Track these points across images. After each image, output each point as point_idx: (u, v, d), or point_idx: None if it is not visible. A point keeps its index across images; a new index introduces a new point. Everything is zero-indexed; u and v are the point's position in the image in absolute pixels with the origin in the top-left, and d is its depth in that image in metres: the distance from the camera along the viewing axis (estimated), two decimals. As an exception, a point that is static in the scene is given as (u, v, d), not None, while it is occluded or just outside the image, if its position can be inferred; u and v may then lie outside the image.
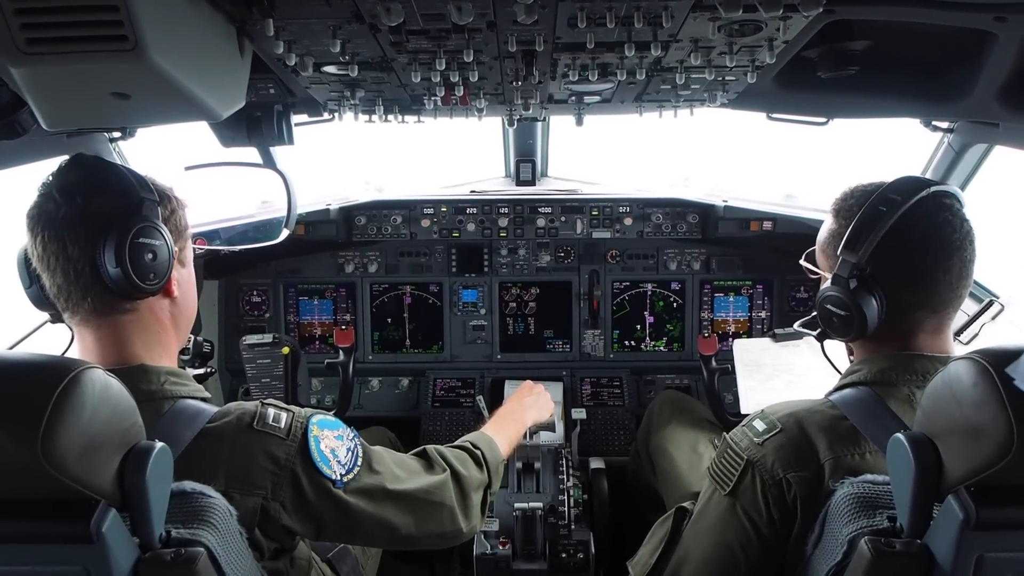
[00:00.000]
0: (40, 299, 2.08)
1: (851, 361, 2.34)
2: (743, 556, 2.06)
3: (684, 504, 2.71)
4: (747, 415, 2.21)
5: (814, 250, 2.38)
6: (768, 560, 2.04)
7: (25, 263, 2.05)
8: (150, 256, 1.95)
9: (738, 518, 2.07)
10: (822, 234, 2.31)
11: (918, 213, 2.05)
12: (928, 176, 3.49)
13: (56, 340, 2.19)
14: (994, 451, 1.45)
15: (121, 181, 1.96)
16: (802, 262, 2.43)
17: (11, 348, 2.27)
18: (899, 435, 1.64)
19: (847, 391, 2.11)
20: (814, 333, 2.40)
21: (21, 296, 2.19)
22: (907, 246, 2.06)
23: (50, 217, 1.90)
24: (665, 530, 2.62)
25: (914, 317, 2.10)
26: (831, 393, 2.16)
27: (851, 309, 2.09)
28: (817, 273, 2.36)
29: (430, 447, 2.40)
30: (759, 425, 2.10)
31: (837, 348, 3.24)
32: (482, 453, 2.50)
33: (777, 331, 3.43)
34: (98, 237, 1.89)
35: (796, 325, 2.59)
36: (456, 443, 2.55)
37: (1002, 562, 1.57)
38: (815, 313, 2.30)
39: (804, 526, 1.96)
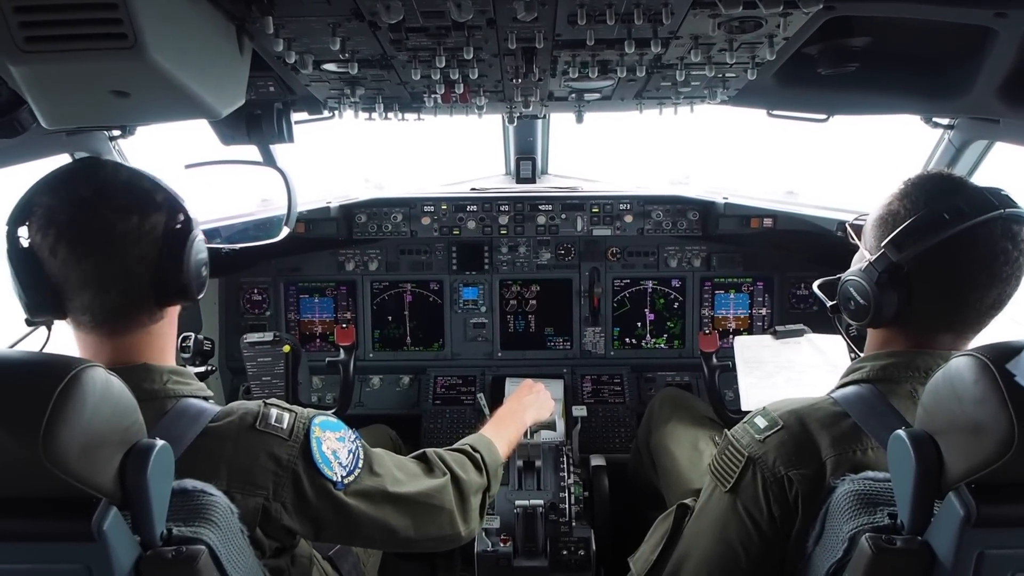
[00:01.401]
0: (43, 308, 1.92)
1: (852, 359, 2.34)
2: (744, 553, 2.05)
3: (685, 501, 2.71)
4: (748, 412, 2.21)
5: (863, 221, 2.26)
6: (769, 557, 2.04)
7: (38, 270, 1.86)
8: (204, 269, 2.05)
9: (739, 515, 2.06)
10: (880, 208, 2.14)
11: (980, 234, 1.93)
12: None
13: (56, 340, 2.18)
14: (995, 448, 1.45)
15: (162, 193, 1.98)
16: (848, 225, 2.34)
17: (11, 347, 2.26)
18: (900, 432, 1.64)
19: (849, 388, 2.09)
20: (829, 303, 2.37)
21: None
22: (952, 263, 1.96)
23: (104, 236, 1.84)
24: (666, 527, 2.62)
25: (932, 328, 2.06)
26: (834, 390, 2.15)
27: (869, 301, 2.07)
28: (855, 243, 2.27)
29: (430, 450, 2.40)
30: (760, 422, 2.09)
31: (837, 343, 3.26)
32: (481, 456, 2.49)
33: (778, 328, 3.44)
34: (161, 254, 1.92)
35: (815, 285, 2.59)
36: (455, 446, 2.55)
37: (1003, 559, 1.57)
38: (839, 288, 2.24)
39: (805, 524, 1.95)
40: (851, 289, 2.13)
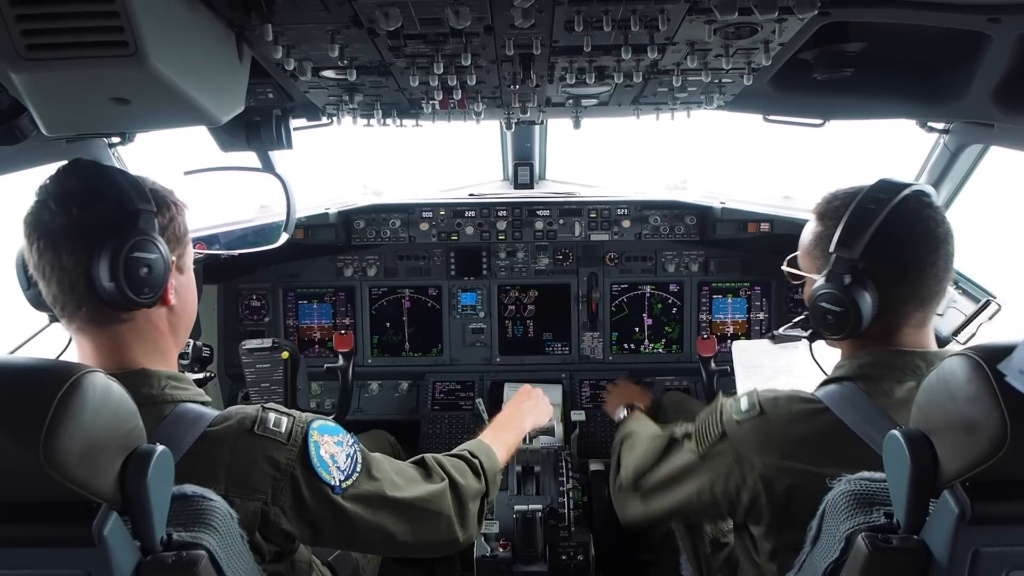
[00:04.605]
0: (38, 301, 2.09)
1: None
2: (696, 499, 2.30)
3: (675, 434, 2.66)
4: None
5: (796, 256, 2.47)
6: (707, 513, 2.36)
7: (23, 266, 2.05)
8: (145, 270, 1.93)
9: (701, 478, 2.27)
10: (806, 237, 2.40)
11: (904, 210, 2.13)
12: (924, 177, 3.51)
13: (59, 345, 2.20)
14: (988, 446, 1.47)
15: (118, 190, 1.94)
16: (785, 267, 2.49)
17: (13, 352, 2.27)
18: (895, 432, 1.65)
19: (832, 386, 2.20)
20: (805, 334, 2.46)
21: (21, 300, 2.20)
22: (897, 241, 2.14)
23: (46, 226, 1.89)
24: (656, 447, 2.62)
25: (903, 311, 2.18)
26: (818, 388, 2.25)
27: (847, 305, 2.15)
28: (800, 277, 2.46)
29: (428, 456, 2.40)
30: (744, 403, 2.23)
31: (828, 352, 3.27)
32: (480, 462, 2.50)
33: (776, 332, 3.43)
34: (93, 249, 1.87)
35: (783, 330, 2.67)
36: (454, 452, 2.55)
37: (998, 556, 1.58)
38: (806, 314, 2.38)
39: (754, 501, 2.14)
40: (823, 303, 2.21)
